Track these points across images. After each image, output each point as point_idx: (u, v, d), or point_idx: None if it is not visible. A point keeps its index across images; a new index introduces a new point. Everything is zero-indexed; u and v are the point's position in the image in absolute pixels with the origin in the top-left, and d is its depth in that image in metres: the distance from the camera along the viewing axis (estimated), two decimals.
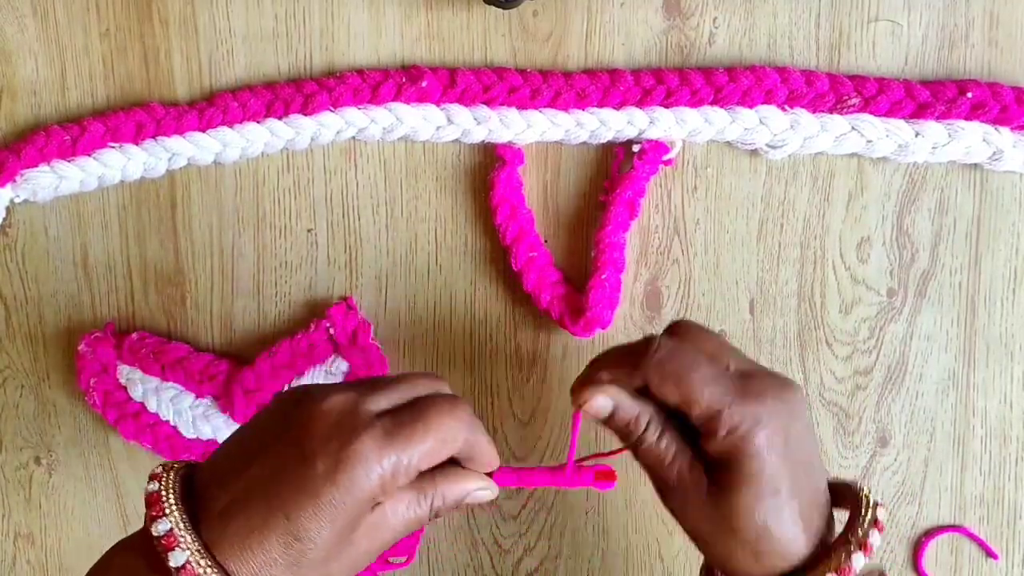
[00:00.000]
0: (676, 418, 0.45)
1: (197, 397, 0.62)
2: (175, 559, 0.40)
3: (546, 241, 0.60)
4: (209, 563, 0.40)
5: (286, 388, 0.61)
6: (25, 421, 0.65)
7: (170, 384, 0.62)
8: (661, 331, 0.47)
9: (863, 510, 0.44)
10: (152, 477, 0.43)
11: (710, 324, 0.59)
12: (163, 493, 0.42)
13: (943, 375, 0.58)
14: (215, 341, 0.63)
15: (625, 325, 0.60)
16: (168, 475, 0.43)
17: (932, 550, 0.59)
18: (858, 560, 0.43)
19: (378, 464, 0.41)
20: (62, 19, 0.61)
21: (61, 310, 0.64)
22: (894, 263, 0.58)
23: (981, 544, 0.59)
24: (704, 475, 0.44)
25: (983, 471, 0.59)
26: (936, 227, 0.58)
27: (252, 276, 0.63)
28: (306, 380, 0.61)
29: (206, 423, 0.62)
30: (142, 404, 0.62)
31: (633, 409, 0.45)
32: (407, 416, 0.43)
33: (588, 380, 0.46)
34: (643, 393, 0.45)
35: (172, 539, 0.40)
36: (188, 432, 0.62)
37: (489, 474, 0.46)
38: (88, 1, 0.61)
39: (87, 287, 0.64)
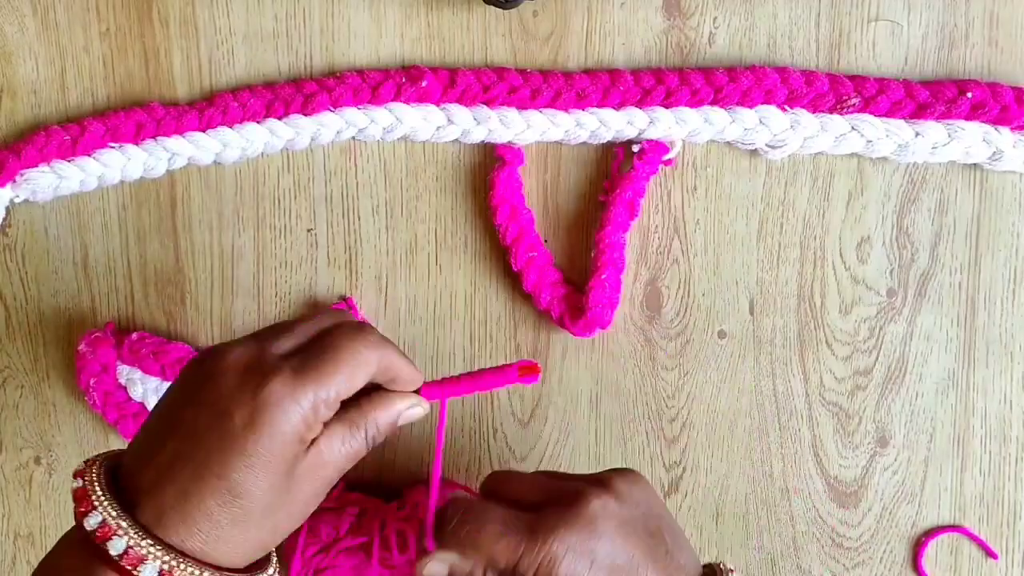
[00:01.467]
0: None
1: None
2: (114, 548, 0.39)
3: (546, 241, 0.60)
4: (151, 542, 0.40)
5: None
6: (25, 421, 0.65)
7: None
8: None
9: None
10: (75, 474, 0.42)
11: (710, 324, 0.59)
12: (89, 487, 0.41)
13: (943, 375, 0.58)
14: (215, 341, 0.63)
15: (625, 325, 0.60)
16: (92, 468, 0.42)
17: (932, 550, 0.59)
18: None
19: (295, 403, 0.41)
20: (62, 19, 0.61)
21: (61, 310, 0.64)
22: (894, 263, 0.58)
23: (981, 544, 0.59)
24: None
25: (983, 471, 0.59)
26: (936, 227, 0.58)
27: (252, 276, 0.63)
28: None
29: None
30: (142, 404, 0.62)
31: (465, 566, 0.46)
32: (314, 350, 0.43)
33: (419, 555, 0.48)
34: None
35: (107, 529, 0.40)
36: None
37: (417, 392, 0.46)
38: (88, 1, 0.61)
39: (87, 287, 0.64)
